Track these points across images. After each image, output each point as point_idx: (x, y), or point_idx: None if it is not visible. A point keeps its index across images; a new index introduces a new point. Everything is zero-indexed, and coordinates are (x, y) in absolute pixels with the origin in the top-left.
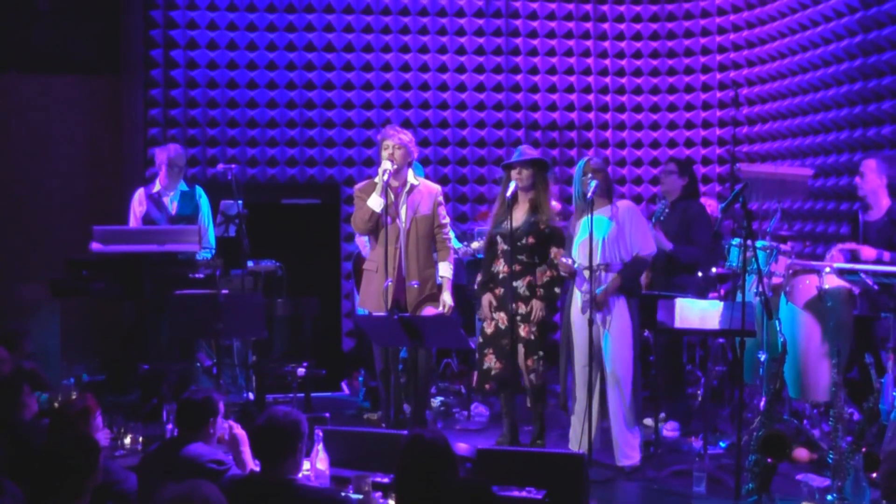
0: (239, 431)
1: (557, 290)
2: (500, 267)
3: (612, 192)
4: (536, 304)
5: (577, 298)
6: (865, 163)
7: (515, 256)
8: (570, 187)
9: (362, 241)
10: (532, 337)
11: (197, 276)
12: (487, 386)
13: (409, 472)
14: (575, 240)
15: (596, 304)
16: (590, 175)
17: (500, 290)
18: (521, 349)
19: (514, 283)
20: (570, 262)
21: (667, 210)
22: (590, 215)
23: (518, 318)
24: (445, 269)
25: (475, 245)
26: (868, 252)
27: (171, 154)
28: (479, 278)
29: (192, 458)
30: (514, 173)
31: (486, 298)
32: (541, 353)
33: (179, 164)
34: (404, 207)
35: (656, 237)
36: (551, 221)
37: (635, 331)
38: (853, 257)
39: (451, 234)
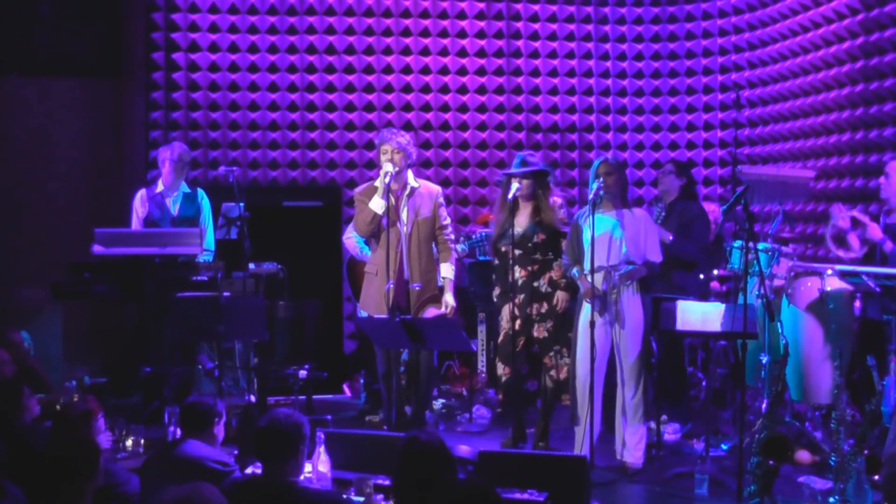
0: None
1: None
2: (517, 273)
3: (627, 195)
4: (561, 296)
5: (587, 310)
6: (892, 164)
7: (530, 257)
8: (571, 189)
9: (351, 243)
10: (546, 334)
11: (198, 278)
12: (500, 395)
13: (406, 475)
14: (584, 240)
15: (621, 278)
16: (599, 178)
17: (520, 299)
18: (536, 351)
19: (535, 283)
20: (586, 285)
21: (662, 213)
22: (592, 216)
23: (536, 318)
24: (447, 271)
25: (460, 248)
26: (874, 231)
27: (176, 152)
28: (496, 291)
29: (196, 459)
30: (514, 181)
31: (507, 309)
32: (557, 347)
33: (185, 160)
34: (405, 210)
35: (659, 234)
36: (555, 218)
37: (646, 329)
38: (857, 225)
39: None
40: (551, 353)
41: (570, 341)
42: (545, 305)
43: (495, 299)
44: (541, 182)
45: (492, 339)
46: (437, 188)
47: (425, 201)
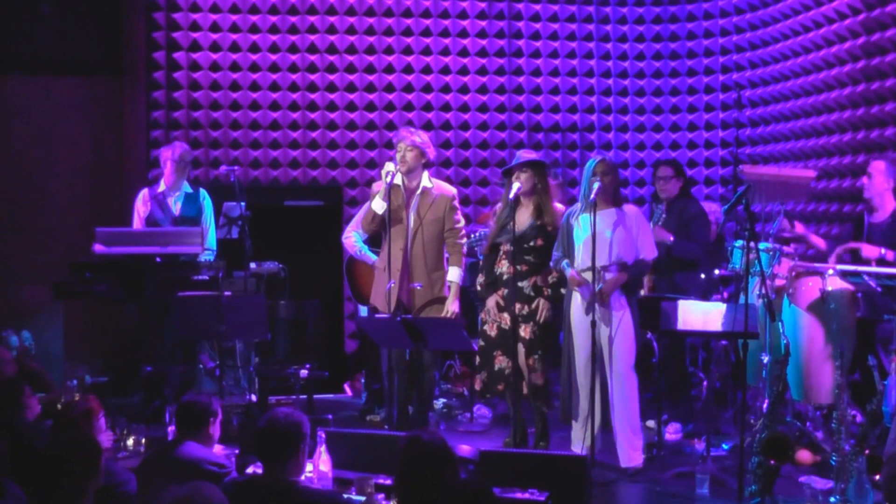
0: None
1: (563, 290)
2: (504, 268)
3: (619, 194)
4: (543, 304)
5: (578, 300)
6: (874, 164)
7: (522, 257)
8: (573, 189)
9: (349, 242)
10: (532, 336)
11: (200, 277)
12: (500, 387)
13: (408, 474)
14: (576, 239)
15: (600, 297)
16: (597, 176)
17: (504, 291)
18: (521, 349)
19: (520, 284)
20: (573, 273)
21: (664, 215)
22: (591, 215)
23: (519, 318)
24: (454, 274)
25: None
26: (870, 250)
27: (178, 151)
28: (480, 279)
29: (192, 461)
30: (513, 178)
31: (493, 300)
32: (540, 352)
33: (186, 160)
34: (414, 210)
35: (657, 234)
36: (557, 223)
37: (637, 331)
38: (854, 257)
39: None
40: (535, 356)
41: (552, 348)
42: (527, 308)
43: (478, 287)
44: (540, 175)
45: None
46: (452, 190)
47: (437, 202)
